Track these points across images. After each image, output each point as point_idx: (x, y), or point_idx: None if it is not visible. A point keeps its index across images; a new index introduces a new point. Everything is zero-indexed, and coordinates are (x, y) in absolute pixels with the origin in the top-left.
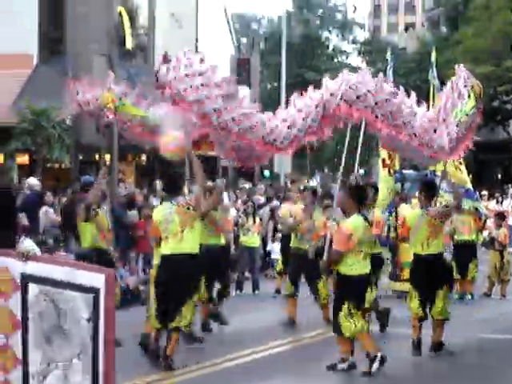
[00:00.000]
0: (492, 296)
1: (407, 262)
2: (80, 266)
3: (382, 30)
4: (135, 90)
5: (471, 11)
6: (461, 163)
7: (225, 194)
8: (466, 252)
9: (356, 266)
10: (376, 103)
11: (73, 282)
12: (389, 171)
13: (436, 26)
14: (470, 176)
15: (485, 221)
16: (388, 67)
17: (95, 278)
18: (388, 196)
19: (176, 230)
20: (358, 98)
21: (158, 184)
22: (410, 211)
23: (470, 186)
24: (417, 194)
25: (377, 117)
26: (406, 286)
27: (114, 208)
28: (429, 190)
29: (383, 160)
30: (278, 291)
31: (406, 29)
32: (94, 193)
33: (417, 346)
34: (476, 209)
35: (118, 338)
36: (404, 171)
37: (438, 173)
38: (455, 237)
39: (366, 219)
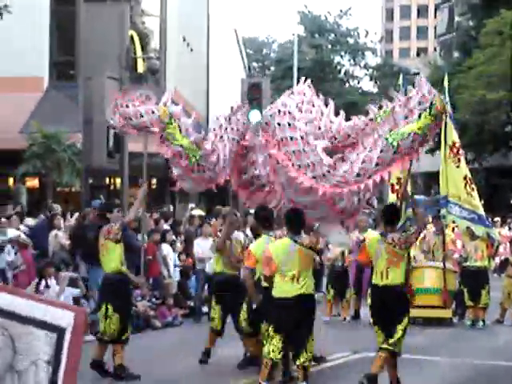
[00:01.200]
0: (504, 322)
1: (418, 288)
2: (47, 301)
3: (393, 55)
4: (191, 118)
5: (483, 36)
6: (473, 189)
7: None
8: (477, 278)
9: (280, 288)
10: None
11: (36, 317)
12: (397, 196)
13: (448, 51)
14: (482, 201)
15: (497, 247)
16: (401, 92)
17: (62, 317)
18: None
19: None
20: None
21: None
22: (373, 238)
23: (482, 211)
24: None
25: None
26: (418, 313)
27: (124, 232)
28: (389, 214)
29: (392, 185)
30: None
31: (418, 54)
32: (134, 213)
33: None
34: (488, 234)
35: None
36: (416, 197)
37: (451, 198)
38: (467, 263)
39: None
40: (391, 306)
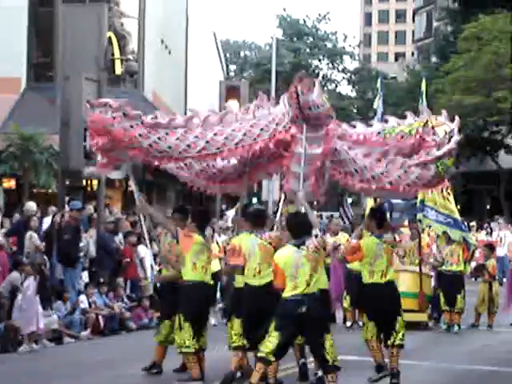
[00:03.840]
0: (479, 327)
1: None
2: None
3: (372, 59)
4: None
5: (461, 42)
6: (449, 193)
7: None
8: (453, 283)
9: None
10: None
11: None
12: (375, 200)
13: (426, 56)
14: (459, 206)
15: (473, 251)
16: (378, 97)
17: None
18: None
19: None
20: None
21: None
22: (370, 239)
23: (458, 216)
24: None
25: None
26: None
27: (100, 234)
28: (379, 218)
29: None
30: None
31: (396, 58)
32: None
33: None
34: (464, 239)
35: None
36: (392, 200)
37: (428, 203)
38: (443, 267)
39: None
40: (390, 301)
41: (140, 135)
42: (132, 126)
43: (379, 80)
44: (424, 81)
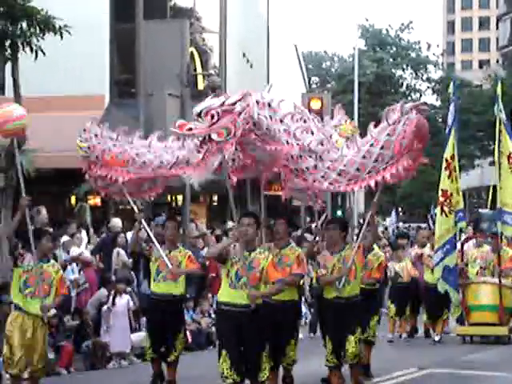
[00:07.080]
0: None
1: (474, 305)
2: None
3: (455, 68)
4: None
5: None
6: None
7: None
8: None
9: None
10: None
11: None
12: (441, 209)
13: (511, 62)
14: None
15: None
16: (451, 101)
17: None
18: (444, 235)
19: None
20: None
21: (231, 225)
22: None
23: None
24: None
25: None
26: (473, 330)
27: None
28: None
29: (438, 198)
30: None
31: (481, 66)
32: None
33: None
34: None
35: None
36: (480, 210)
37: (506, 208)
38: None
39: None
40: None
41: None
42: None
43: (451, 85)
44: (500, 84)
